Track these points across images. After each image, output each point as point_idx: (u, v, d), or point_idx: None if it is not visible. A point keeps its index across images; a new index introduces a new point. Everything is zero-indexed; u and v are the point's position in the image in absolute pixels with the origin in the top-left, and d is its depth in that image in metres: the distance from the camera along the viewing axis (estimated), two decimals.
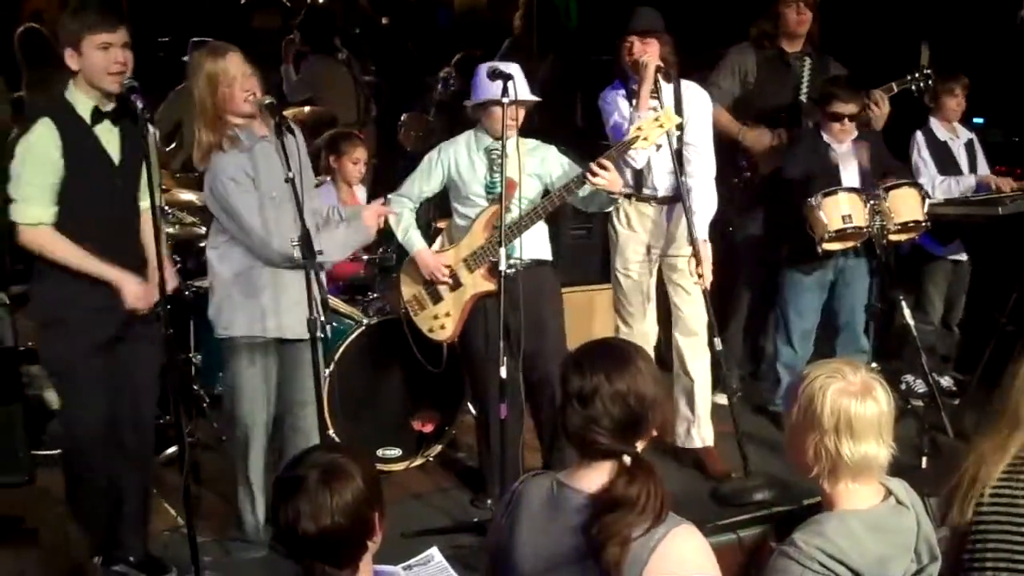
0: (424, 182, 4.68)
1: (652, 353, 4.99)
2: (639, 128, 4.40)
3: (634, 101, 4.70)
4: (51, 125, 3.70)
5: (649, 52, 4.68)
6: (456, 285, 4.64)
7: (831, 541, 2.40)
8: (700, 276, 4.65)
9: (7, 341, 4.70)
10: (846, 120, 5.27)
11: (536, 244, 4.62)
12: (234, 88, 3.96)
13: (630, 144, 4.42)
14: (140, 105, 3.60)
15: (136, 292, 3.76)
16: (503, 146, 4.27)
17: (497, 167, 4.44)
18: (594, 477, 2.37)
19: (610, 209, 4.83)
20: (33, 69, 6.72)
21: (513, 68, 4.39)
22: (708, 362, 5.02)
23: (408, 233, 4.70)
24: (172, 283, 3.99)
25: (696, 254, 4.66)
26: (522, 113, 4.49)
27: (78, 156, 3.73)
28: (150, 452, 4.23)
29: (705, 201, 4.81)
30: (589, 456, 2.39)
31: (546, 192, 4.59)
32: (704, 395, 5.04)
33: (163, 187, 5.02)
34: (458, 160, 4.61)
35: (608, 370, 2.36)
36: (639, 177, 4.91)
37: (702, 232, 4.75)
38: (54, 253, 3.76)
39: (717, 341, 4.85)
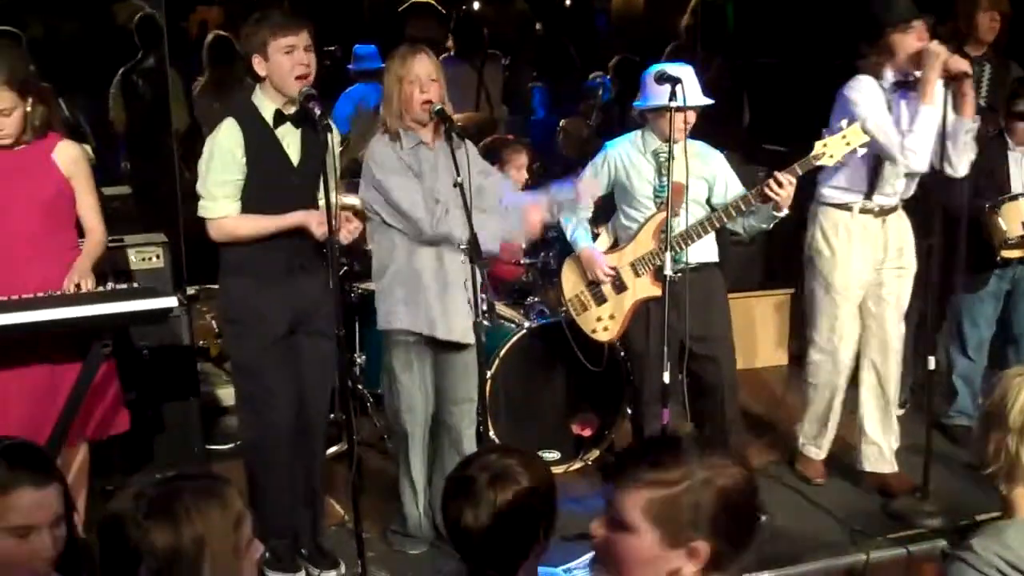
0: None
1: (847, 380, 4.85)
2: (825, 144, 4.21)
3: (909, 94, 4.44)
4: (235, 125, 3.84)
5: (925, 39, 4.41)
6: (621, 288, 4.61)
7: (1010, 548, 2.28)
8: None
9: (184, 340, 4.90)
10: None
11: (703, 246, 4.52)
12: (414, 88, 3.99)
13: (814, 160, 4.22)
14: (318, 112, 3.70)
15: (319, 218, 3.77)
16: (670, 150, 4.17)
17: (665, 170, 4.37)
18: None
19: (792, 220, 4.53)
20: (214, 70, 7.23)
21: (685, 70, 4.33)
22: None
23: (576, 231, 4.67)
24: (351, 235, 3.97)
25: None
26: (693, 117, 4.38)
27: (259, 156, 3.85)
28: (321, 447, 4.31)
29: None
30: None
31: (710, 196, 4.53)
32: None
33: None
34: (625, 162, 4.55)
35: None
36: (875, 177, 4.59)
37: None
38: (242, 233, 3.88)
39: (931, 360, 4.53)
